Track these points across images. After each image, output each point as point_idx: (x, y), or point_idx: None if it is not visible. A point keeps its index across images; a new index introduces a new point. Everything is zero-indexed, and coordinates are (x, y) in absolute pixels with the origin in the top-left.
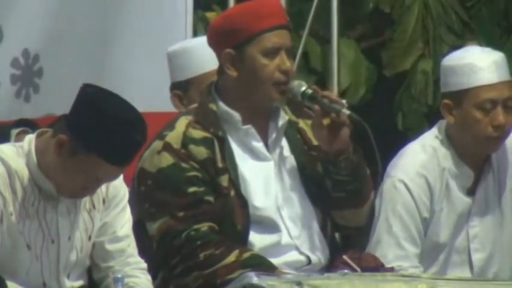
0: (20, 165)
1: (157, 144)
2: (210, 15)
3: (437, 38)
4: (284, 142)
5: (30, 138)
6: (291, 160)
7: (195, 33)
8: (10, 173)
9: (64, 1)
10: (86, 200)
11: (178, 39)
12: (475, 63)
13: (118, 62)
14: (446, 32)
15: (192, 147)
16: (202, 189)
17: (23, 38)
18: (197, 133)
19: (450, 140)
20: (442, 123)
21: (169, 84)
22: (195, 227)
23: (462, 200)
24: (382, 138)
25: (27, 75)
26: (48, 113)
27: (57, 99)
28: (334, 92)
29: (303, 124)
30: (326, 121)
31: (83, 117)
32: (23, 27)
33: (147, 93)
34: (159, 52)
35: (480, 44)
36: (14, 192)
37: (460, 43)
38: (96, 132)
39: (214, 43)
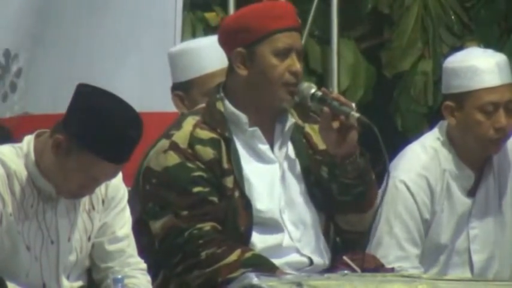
0: (19, 166)
1: (164, 143)
2: (209, 15)
3: (437, 38)
4: (289, 145)
5: (29, 139)
6: (295, 163)
7: (194, 34)
8: (9, 174)
9: (47, 1)
10: (85, 201)
11: (167, 39)
12: (478, 66)
13: (102, 62)
14: (446, 33)
15: (198, 147)
16: (207, 189)
17: (4, 38)
18: (204, 133)
19: (451, 141)
20: (443, 124)
21: (171, 84)
22: (198, 226)
23: (463, 201)
24: (382, 139)
25: (6, 74)
26: (25, 112)
27: (34, 98)
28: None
29: (309, 129)
30: (335, 124)
31: (78, 117)
32: (5, 27)
33: (135, 93)
34: (147, 53)
35: (479, 45)
36: (13, 193)
37: (459, 44)
38: (91, 131)
39: (225, 42)
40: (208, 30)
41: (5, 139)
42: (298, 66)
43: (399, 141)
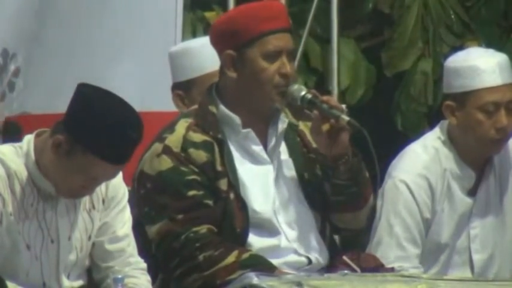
0: (19, 166)
1: (157, 147)
2: (209, 15)
3: (437, 38)
4: (283, 145)
5: (29, 139)
6: (289, 164)
7: (194, 33)
8: (9, 173)
9: (45, 1)
10: (85, 200)
11: (168, 39)
12: (479, 66)
13: (101, 62)
14: (446, 32)
15: (191, 150)
16: (201, 192)
17: (2, 37)
18: (197, 136)
19: (452, 140)
20: (444, 123)
21: (171, 84)
22: (194, 229)
23: (463, 201)
24: (382, 138)
25: (4, 74)
26: (23, 111)
27: (33, 98)
28: (334, 92)
29: (303, 126)
30: (325, 126)
31: (78, 117)
32: (3, 27)
33: (135, 93)
34: (147, 53)
35: (480, 44)
36: (13, 192)
37: (459, 43)
38: (91, 131)
39: (215, 43)
40: (208, 29)
41: (16, 135)
42: (288, 68)
43: (399, 140)
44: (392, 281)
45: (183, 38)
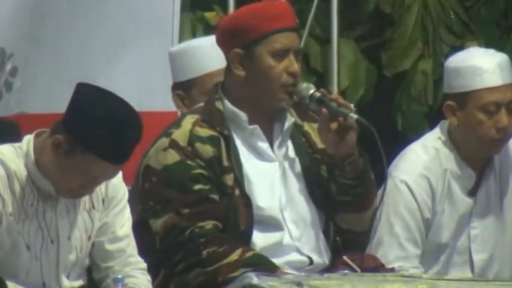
0: (18, 166)
1: (163, 141)
2: (209, 15)
3: (437, 38)
4: (289, 144)
5: (28, 139)
6: (295, 162)
7: (194, 33)
8: (9, 174)
9: (42, 0)
10: (85, 200)
11: (165, 39)
12: (479, 66)
13: (99, 62)
14: (446, 33)
15: (198, 145)
16: (207, 187)
17: None
18: (204, 131)
19: (452, 140)
20: (444, 123)
21: (170, 84)
22: (200, 224)
23: (464, 201)
24: (382, 138)
25: (1, 73)
26: (21, 111)
27: (30, 98)
28: (334, 92)
29: (308, 127)
30: (333, 125)
31: (78, 116)
32: (0, 27)
33: (134, 93)
34: (146, 53)
35: (480, 45)
36: (13, 193)
37: (459, 43)
38: (90, 131)
39: (223, 43)
40: (208, 29)
41: (14, 134)
42: (296, 66)
43: (399, 140)
44: (392, 281)
45: (183, 38)
